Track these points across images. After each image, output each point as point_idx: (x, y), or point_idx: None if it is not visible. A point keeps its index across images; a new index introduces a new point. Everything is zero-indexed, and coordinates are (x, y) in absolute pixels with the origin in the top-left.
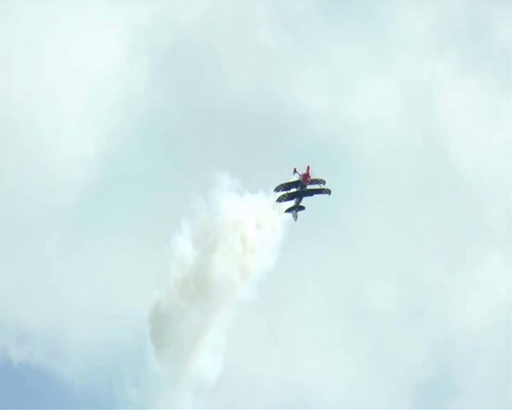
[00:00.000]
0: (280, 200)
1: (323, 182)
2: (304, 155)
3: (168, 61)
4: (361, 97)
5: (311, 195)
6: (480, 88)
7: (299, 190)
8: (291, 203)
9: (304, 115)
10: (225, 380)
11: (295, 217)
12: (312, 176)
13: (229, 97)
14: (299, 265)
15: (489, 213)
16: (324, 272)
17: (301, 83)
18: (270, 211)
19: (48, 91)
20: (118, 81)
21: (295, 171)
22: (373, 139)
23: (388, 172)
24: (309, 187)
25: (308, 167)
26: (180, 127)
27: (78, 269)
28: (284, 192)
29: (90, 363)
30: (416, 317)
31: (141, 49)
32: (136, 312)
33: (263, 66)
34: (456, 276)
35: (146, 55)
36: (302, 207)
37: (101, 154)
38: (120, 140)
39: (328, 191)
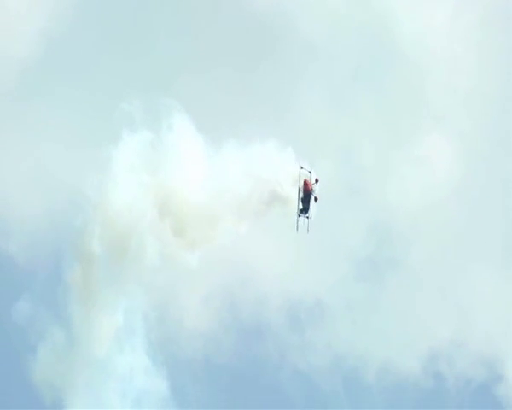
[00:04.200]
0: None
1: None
2: (245, 29)
3: None
4: None
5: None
6: None
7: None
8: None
9: None
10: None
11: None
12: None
13: None
14: None
15: (429, 89)
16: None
17: None
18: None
19: None
20: None
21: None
22: (315, 13)
23: (329, 46)
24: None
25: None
26: (126, 3)
27: (18, 145)
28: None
29: (34, 237)
30: (354, 195)
31: None
32: (77, 188)
33: None
34: (394, 153)
35: None
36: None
37: (42, 31)
38: (63, 17)
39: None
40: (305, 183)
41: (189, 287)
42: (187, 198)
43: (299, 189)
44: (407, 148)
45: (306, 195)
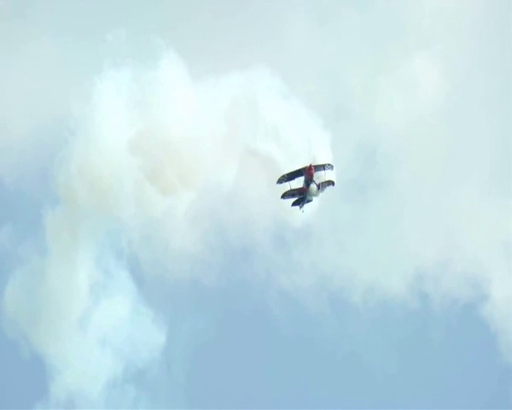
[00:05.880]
0: (284, 196)
1: (330, 166)
2: None
3: None
4: None
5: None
6: None
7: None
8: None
9: None
10: None
11: (302, 208)
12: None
13: None
14: None
15: (415, 12)
16: None
17: None
18: None
19: None
20: None
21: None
22: None
23: None
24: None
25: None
26: None
27: (4, 70)
28: (289, 188)
29: (21, 159)
30: (341, 118)
31: None
32: (61, 114)
33: None
34: (381, 76)
35: None
36: (310, 200)
37: None
38: None
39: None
40: (310, 168)
41: (176, 209)
42: (171, 135)
43: (305, 168)
44: (393, 70)
45: (306, 179)
